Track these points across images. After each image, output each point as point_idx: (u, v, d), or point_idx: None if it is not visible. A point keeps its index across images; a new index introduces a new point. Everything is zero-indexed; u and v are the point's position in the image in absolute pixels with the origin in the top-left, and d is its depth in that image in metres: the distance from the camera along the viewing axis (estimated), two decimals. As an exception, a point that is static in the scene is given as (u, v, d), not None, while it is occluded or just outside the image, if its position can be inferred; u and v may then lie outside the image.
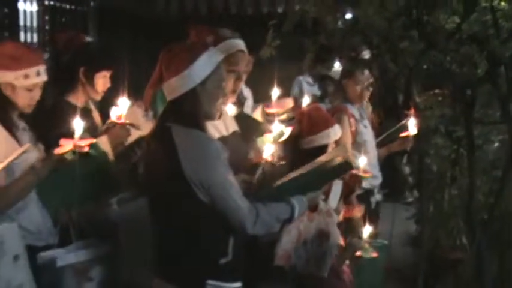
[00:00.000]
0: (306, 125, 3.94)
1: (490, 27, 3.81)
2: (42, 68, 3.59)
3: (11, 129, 3.51)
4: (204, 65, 3.15)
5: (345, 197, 4.10)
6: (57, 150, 3.33)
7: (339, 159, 3.41)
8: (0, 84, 3.53)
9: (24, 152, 3.31)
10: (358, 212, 4.26)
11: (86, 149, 3.32)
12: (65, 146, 3.32)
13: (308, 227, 3.70)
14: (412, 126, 5.19)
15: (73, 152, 3.30)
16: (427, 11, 3.80)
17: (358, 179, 4.10)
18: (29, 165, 3.44)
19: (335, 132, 3.97)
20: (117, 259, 3.65)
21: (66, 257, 3.43)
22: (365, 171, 4.06)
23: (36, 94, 3.60)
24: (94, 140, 3.41)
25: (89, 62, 4.06)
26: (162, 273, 3.21)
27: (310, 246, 3.70)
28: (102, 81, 4.09)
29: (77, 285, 3.47)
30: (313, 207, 3.64)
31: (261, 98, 5.36)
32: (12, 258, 3.16)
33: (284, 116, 4.22)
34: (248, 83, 5.54)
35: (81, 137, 3.33)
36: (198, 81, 3.13)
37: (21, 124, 3.64)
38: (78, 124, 3.31)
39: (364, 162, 4.04)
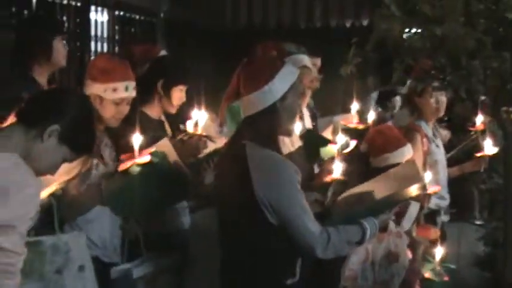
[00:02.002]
0: (378, 144, 3.92)
1: None
2: (131, 84, 3.64)
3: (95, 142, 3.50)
4: (283, 80, 3.11)
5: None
6: (120, 167, 3.33)
7: (415, 187, 3.38)
8: (90, 96, 3.56)
9: (92, 167, 3.31)
10: (434, 234, 4.21)
11: (148, 159, 3.31)
12: (127, 163, 3.31)
13: (377, 247, 3.67)
14: (488, 146, 5.09)
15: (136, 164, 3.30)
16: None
17: (425, 196, 4.05)
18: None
19: (408, 151, 3.97)
20: (185, 269, 3.69)
21: (139, 269, 3.50)
22: (432, 189, 4.01)
23: (124, 109, 3.63)
24: (153, 149, 3.39)
25: (167, 75, 4.09)
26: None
27: (378, 268, 3.67)
28: (178, 94, 4.11)
29: None
30: (383, 228, 3.58)
31: (325, 112, 5.35)
32: (77, 268, 3.16)
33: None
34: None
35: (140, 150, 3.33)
36: (278, 97, 3.10)
37: (105, 139, 3.67)
38: (136, 139, 3.31)
39: (430, 178, 3.98)
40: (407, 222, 3.91)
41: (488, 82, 3.62)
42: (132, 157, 3.29)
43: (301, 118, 4.38)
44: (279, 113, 3.11)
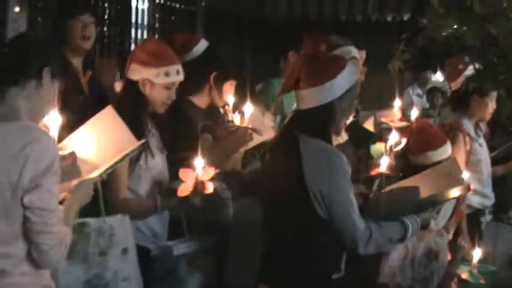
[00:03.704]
0: (417, 142, 3.92)
1: None
2: (180, 67, 3.59)
3: (142, 131, 3.47)
4: (345, 80, 3.11)
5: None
6: (180, 192, 3.32)
7: (459, 188, 3.38)
8: (138, 82, 3.52)
9: (137, 149, 3.26)
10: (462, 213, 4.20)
11: (211, 189, 3.31)
12: (186, 186, 3.30)
13: (417, 245, 3.64)
14: None
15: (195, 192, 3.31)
16: None
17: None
18: (155, 171, 3.51)
19: (449, 149, 3.97)
20: (225, 251, 3.71)
21: (180, 247, 3.53)
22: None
23: (173, 93, 3.58)
24: (216, 170, 3.38)
25: (222, 69, 4.06)
26: (269, 280, 3.18)
27: (417, 265, 3.65)
28: (229, 88, 4.08)
29: (187, 274, 3.57)
30: (425, 226, 3.56)
31: (367, 106, 5.30)
32: (121, 250, 3.18)
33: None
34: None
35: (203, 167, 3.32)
36: (338, 95, 3.09)
37: (152, 129, 3.61)
38: (199, 162, 3.30)
39: (467, 176, 3.94)
40: (442, 219, 3.87)
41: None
42: (192, 178, 3.29)
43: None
44: (334, 111, 3.10)
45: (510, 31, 3.56)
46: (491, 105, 5.08)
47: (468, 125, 5.13)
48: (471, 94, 5.08)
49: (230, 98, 3.79)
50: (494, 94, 4.94)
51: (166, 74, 3.52)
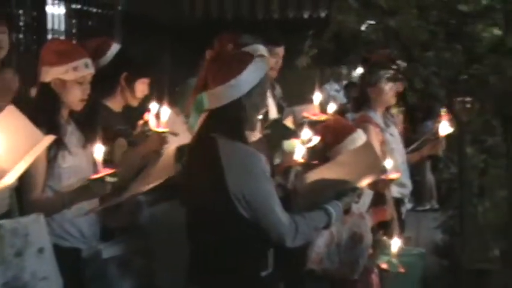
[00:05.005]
0: (328, 138, 3.95)
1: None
2: (89, 61, 3.61)
3: (58, 133, 3.48)
4: (251, 75, 3.13)
5: (374, 202, 4.11)
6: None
7: (375, 170, 3.48)
8: (50, 83, 3.54)
9: (47, 145, 3.25)
10: (389, 214, 4.27)
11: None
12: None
13: (341, 229, 3.70)
14: (444, 127, 5.15)
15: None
16: (466, 23, 3.79)
17: (386, 184, 4.10)
18: (77, 169, 3.53)
19: (359, 137, 3.98)
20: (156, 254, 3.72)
21: (110, 249, 3.57)
22: (392, 174, 4.05)
23: (87, 88, 3.59)
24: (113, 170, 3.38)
25: (131, 68, 4.09)
26: (198, 282, 3.19)
27: (343, 249, 3.71)
28: (141, 87, 4.11)
29: (118, 276, 3.59)
30: (346, 210, 3.62)
31: (290, 103, 5.36)
32: (37, 250, 3.18)
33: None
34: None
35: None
36: (244, 91, 3.11)
37: (70, 127, 3.64)
38: (98, 150, 3.30)
39: (391, 164, 4.03)
40: (362, 205, 3.92)
41: (442, 73, 3.67)
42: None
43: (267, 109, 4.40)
44: (244, 108, 3.12)
45: (410, 25, 3.66)
46: (390, 90, 5.15)
47: (376, 116, 5.19)
48: (365, 86, 5.20)
49: (154, 106, 3.77)
50: (389, 84, 5.04)
51: (75, 69, 3.54)
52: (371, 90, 5.17)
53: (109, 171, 3.28)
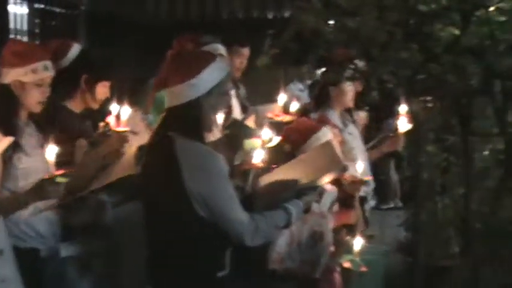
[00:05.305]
0: (292, 139, 3.94)
1: (487, 39, 3.85)
2: (49, 63, 3.59)
3: (15, 134, 3.45)
4: (211, 75, 3.12)
5: (343, 203, 4.13)
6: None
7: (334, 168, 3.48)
8: (10, 85, 3.53)
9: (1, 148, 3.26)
10: (354, 217, 4.28)
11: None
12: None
13: (301, 228, 3.68)
14: (403, 123, 5.17)
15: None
16: (425, 23, 3.84)
17: (356, 184, 4.13)
18: (34, 170, 3.48)
19: (323, 135, 3.97)
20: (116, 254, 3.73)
21: (68, 248, 3.55)
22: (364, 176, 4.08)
23: (46, 90, 3.58)
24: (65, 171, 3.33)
25: (91, 70, 4.06)
26: (155, 283, 3.19)
27: (304, 248, 3.68)
28: (102, 90, 4.08)
29: (78, 277, 3.59)
30: (307, 209, 3.62)
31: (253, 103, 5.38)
32: None
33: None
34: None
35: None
36: (204, 91, 3.10)
37: (28, 129, 3.62)
38: (51, 151, 3.26)
39: (362, 167, 4.04)
40: (324, 205, 3.93)
41: (400, 73, 3.72)
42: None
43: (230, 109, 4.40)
44: (202, 107, 3.12)
45: (369, 25, 3.69)
46: (350, 92, 5.16)
47: (333, 116, 5.17)
48: (327, 85, 5.19)
49: (114, 107, 3.75)
50: (347, 84, 5.05)
51: (34, 71, 3.52)
52: (332, 89, 5.19)
53: (60, 172, 3.24)
